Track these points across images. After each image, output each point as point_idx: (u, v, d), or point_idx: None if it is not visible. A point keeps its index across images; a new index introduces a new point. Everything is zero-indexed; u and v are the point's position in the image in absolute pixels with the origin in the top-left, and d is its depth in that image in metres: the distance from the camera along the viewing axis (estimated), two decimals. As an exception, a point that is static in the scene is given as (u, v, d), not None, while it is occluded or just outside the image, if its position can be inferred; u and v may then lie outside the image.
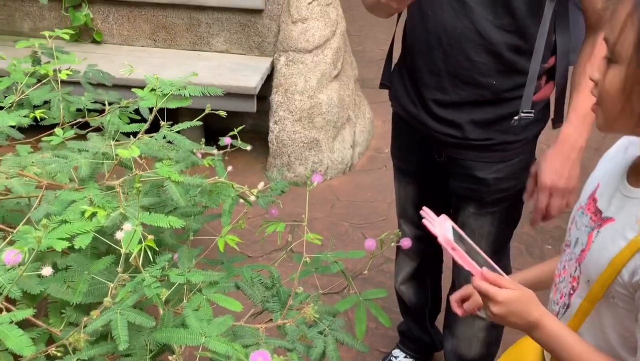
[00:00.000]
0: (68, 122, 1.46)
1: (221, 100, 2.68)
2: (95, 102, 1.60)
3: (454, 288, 1.61)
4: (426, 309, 1.79)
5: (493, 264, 0.91)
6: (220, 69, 2.78)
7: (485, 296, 0.86)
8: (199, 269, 1.04)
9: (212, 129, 1.58)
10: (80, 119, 1.55)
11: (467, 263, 0.86)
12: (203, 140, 1.45)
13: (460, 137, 1.36)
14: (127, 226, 0.84)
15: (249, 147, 1.66)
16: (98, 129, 1.52)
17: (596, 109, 0.81)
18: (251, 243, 2.37)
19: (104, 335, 0.98)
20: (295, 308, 1.17)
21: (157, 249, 1.02)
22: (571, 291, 0.91)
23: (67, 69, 1.51)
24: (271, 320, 1.16)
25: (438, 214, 0.94)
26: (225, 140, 1.59)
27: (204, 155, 1.43)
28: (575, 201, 0.97)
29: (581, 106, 1.22)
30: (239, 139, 1.58)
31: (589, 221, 0.88)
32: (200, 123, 1.27)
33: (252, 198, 1.42)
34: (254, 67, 2.81)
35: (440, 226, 0.89)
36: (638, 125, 0.76)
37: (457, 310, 1.08)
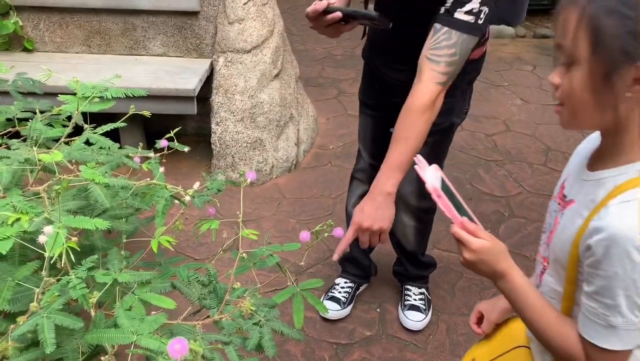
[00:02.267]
0: (-2, 133, 1.42)
1: (161, 103, 2.68)
2: (26, 111, 1.57)
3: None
4: None
5: (475, 219, 0.96)
6: (158, 73, 2.75)
7: (460, 243, 0.91)
8: (131, 270, 1.04)
9: (153, 133, 1.59)
10: (10, 129, 1.52)
11: (449, 210, 0.91)
12: (141, 144, 1.44)
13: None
14: (48, 229, 0.84)
15: (186, 149, 1.66)
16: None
17: (560, 110, 0.85)
18: (197, 245, 2.37)
19: (35, 342, 0.96)
20: (232, 303, 1.19)
21: (81, 251, 1.02)
22: (542, 270, 0.98)
23: (-9, 78, 1.48)
24: (209, 316, 1.17)
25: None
26: (162, 142, 1.59)
27: (143, 159, 1.43)
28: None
29: (395, 158, 1.37)
30: (175, 141, 1.58)
31: (557, 206, 0.95)
32: (123, 124, 1.26)
33: (187, 198, 1.43)
34: (193, 69, 2.79)
35: (431, 174, 0.94)
36: (602, 118, 0.81)
37: (477, 331, 1.19)
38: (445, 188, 0.95)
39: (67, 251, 0.83)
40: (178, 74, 2.74)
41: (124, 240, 1.22)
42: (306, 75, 3.96)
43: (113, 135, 1.27)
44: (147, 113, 1.35)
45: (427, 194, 1.73)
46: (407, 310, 2.04)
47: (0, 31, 2.74)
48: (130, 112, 1.31)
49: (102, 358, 0.91)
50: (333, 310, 2.03)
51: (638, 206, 0.76)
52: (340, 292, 2.10)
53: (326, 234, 1.32)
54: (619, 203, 0.78)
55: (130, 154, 1.57)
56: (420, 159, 0.98)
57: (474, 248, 0.89)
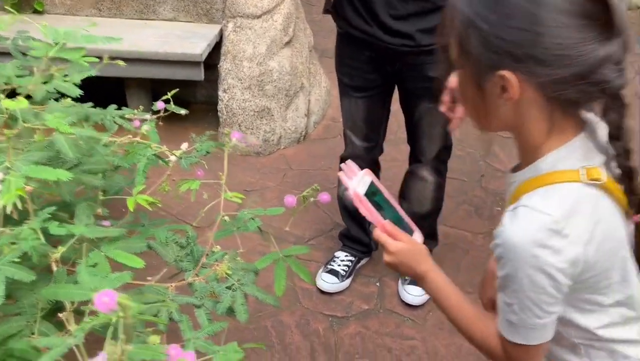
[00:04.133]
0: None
1: (168, 68, 2.63)
2: (24, 68, 1.54)
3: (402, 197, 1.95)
4: None
5: (408, 220, 0.99)
6: (167, 37, 2.70)
7: (382, 246, 0.92)
8: (98, 226, 0.99)
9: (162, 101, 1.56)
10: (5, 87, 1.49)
11: (371, 214, 0.91)
12: (141, 107, 1.42)
13: (414, 46, 1.61)
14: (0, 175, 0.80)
15: (183, 112, 1.62)
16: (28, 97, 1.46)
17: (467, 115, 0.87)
18: (193, 212, 2.33)
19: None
20: (209, 266, 1.14)
21: (53, 206, 0.98)
22: None
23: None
24: (184, 279, 1.12)
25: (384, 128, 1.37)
26: (159, 104, 1.56)
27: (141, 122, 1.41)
28: None
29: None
30: (172, 102, 1.56)
31: None
32: (91, 73, 1.20)
33: (173, 159, 1.38)
34: (202, 34, 2.73)
35: (357, 180, 0.94)
36: (497, 122, 0.80)
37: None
38: (374, 191, 0.96)
39: (22, 200, 0.79)
40: (187, 39, 2.69)
41: (100, 197, 1.18)
42: (322, 46, 3.86)
43: (120, 101, 1.23)
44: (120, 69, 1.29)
45: (448, 145, 1.78)
46: (408, 284, 1.98)
47: (10, -8, 2.71)
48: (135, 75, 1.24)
49: (60, 314, 0.88)
50: (330, 283, 1.99)
51: (525, 212, 0.75)
52: (339, 265, 2.05)
53: (312, 199, 1.26)
54: (511, 210, 0.78)
55: (125, 115, 1.53)
56: (349, 164, 0.98)
57: (392, 251, 0.90)
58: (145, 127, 1.34)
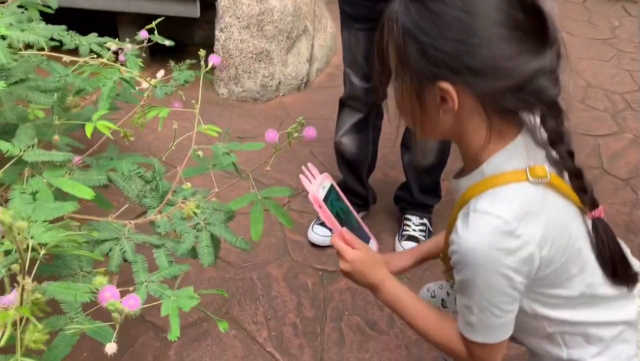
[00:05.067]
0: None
1: (163, 4, 2.46)
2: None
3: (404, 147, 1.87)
4: (366, 162, 1.87)
5: (365, 228, 1.00)
6: (161, -30, 2.51)
7: (338, 253, 0.91)
8: (40, 150, 0.86)
9: (160, 45, 1.43)
10: None
11: (329, 221, 0.90)
12: (128, 40, 1.32)
13: None
14: None
15: (167, 42, 1.49)
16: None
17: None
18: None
19: None
20: (177, 203, 1.01)
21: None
22: None
23: None
24: (144, 215, 1.00)
25: None
26: (142, 33, 1.44)
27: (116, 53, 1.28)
28: None
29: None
30: (156, 32, 1.44)
31: None
32: None
33: (145, 85, 1.24)
34: (199, -32, 2.54)
35: (317, 183, 0.93)
36: (437, 130, 0.80)
37: None
38: (334, 195, 0.96)
39: None
40: (182, -27, 2.50)
41: (57, 122, 1.04)
42: (331, -9, 3.66)
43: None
44: None
45: None
46: (405, 240, 1.85)
47: None
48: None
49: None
50: (322, 235, 1.86)
51: (476, 217, 0.75)
52: None
53: (296, 134, 1.12)
54: (462, 217, 0.78)
55: (105, 44, 1.39)
56: (311, 167, 0.97)
57: (349, 259, 0.89)
58: (160, 73, 1.20)
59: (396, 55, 0.77)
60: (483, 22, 0.71)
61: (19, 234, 0.48)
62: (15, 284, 0.64)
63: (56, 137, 1.06)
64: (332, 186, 0.96)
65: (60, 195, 0.89)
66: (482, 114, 0.76)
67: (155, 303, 0.82)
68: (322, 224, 1.91)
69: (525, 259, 0.75)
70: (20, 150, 0.83)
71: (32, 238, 0.60)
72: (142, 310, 0.66)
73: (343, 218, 0.94)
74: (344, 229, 0.91)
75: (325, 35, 2.92)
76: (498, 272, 0.75)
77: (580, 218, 0.81)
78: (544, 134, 0.79)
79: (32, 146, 0.85)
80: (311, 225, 1.92)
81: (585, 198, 0.79)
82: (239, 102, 2.64)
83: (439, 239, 1.08)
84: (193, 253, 0.90)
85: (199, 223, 0.93)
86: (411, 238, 1.85)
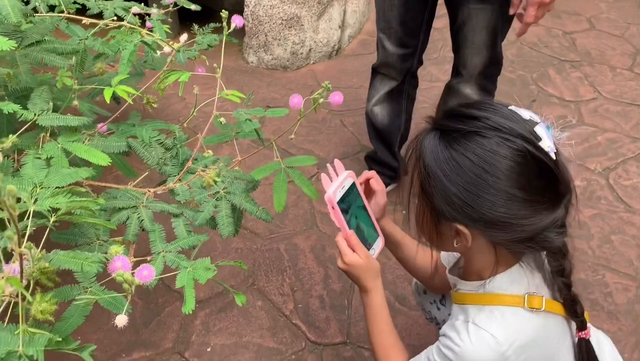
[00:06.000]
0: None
1: (190, -31, 2.40)
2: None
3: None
4: (398, 133, 1.83)
5: (376, 226, 1.05)
6: None
7: (339, 252, 0.97)
8: (56, 114, 0.83)
9: (190, 12, 1.39)
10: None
11: (339, 222, 0.95)
12: (142, 4, 1.28)
13: None
14: None
15: (193, 7, 1.44)
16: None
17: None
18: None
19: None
20: (197, 172, 0.98)
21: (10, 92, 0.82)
22: None
23: None
24: (164, 184, 0.96)
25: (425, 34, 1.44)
26: None
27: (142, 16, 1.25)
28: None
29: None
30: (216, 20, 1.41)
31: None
32: None
33: (167, 50, 1.20)
34: None
35: (336, 182, 0.95)
36: (450, 248, 0.87)
37: None
38: (354, 193, 0.99)
39: None
40: (211, -64, 2.43)
41: (75, 86, 1.01)
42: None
43: None
44: None
45: (496, 59, 1.61)
46: None
47: None
48: None
49: None
50: (351, 207, 1.81)
51: (475, 331, 0.84)
52: None
53: (321, 100, 1.06)
54: (462, 321, 0.87)
55: (128, 7, 1.36)
56: (337, 163, 1.00)
57: (346, 261, 0.96)
58: (184, 37, 1.16)
59: (419, 185, 0.83)
60: (504, 183, 0.75)
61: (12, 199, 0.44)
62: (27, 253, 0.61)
63: (76, 102, 1.03)
64: (353, 183, 1.00)
65: (85, 163, 0.86)
66: (491, 250, 0.84)
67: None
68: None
69: None
70: (35, 114, 0.80)
71: (35, 203, 0.57)
72: (168, 280, 0.62)
73: (358, 218, 0.99)
74: (351, 232, 0.96)
75: (358, 0, 2.82)
76: None
77: (569, 333, 0.90)
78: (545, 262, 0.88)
79: (47, 110, 0.82)
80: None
81: (576, 321, 0.88)
82: (269, 71, 2.59)
83: (413, 243, 1.15)
84: (212, 222, 0.87)
85: (218, 192, 0.89)
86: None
